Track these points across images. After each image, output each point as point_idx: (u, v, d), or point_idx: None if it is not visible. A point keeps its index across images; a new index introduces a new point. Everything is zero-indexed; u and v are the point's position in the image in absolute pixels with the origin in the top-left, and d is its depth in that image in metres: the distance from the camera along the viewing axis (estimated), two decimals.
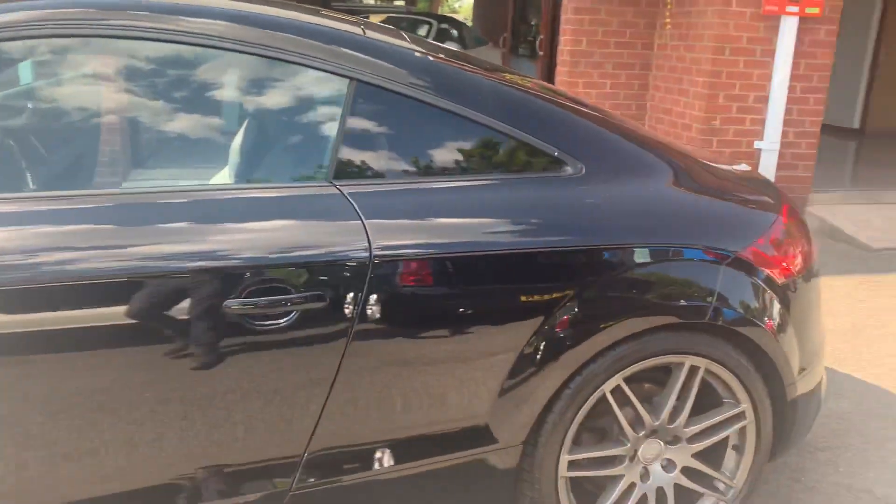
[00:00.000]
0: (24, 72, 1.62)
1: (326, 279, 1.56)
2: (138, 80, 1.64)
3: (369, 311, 1.59)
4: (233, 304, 1.51)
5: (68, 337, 1.45)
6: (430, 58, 1.79)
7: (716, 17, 5.31)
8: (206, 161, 1.71)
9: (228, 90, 1.70)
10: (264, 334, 1.54)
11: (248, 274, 1.52)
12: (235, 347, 1.53)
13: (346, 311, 1.57)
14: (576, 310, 1.72)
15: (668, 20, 5.90)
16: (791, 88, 5.46)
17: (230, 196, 1.59)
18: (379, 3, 20.88)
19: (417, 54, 1.78)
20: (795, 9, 5.21)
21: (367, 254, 1.58)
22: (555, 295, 1.70)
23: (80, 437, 1.49)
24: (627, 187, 1.84)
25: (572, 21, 6.10)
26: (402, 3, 21.84)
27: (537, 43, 6.94)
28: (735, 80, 5.42)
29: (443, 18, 11.59)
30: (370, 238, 1.59)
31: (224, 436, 1.58)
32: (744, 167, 2.34)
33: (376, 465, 1.69)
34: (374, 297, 1.59)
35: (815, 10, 5.22)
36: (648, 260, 1.78)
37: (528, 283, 1.69)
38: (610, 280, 1.75)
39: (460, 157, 1.74)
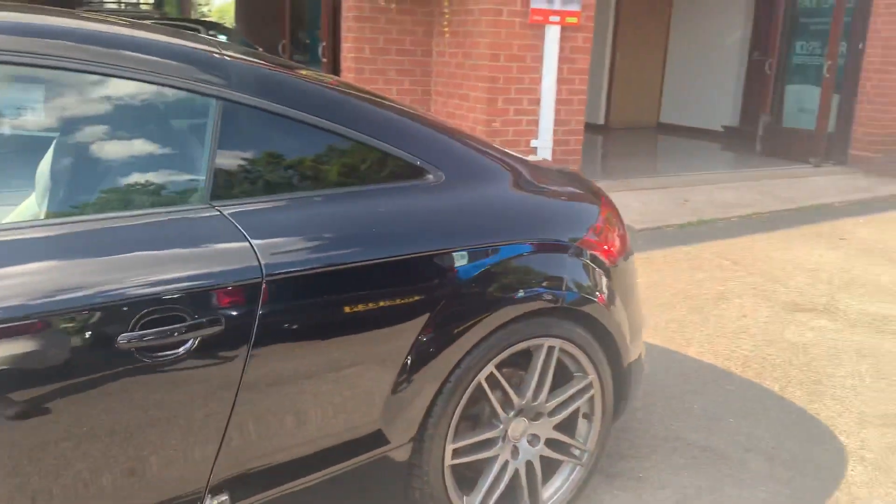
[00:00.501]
0: None
1: (218, 305, 1.53)
2: None
3: (264, 333, 1.58)
4: (124, 338, 1.44)
5: None
6: (298, 77, 1.81)
7: (489, 26, 5.72)
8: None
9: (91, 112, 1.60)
10: (159, 366, 1.48)
11: (134, 308, 1.45)
12: (130, 382, 1.46)
13: (241, 334, 1.56)
14: (454, 306, 1.84)
15: (446, 28, 6.23)
16: (558, 91, 6.03)
17: (109, 225, 1.50)
18: (124, 6, 19.48)
19: (284, 73, 1.79)
20: (557, 18, 5.77)
21: (258, 273, 1.57)
22: (436, 294, 1.81)
23: None
24: (481, 192, 1.99)
25: (353, 29, 6.22)
26: (148, 6, 20.56)
27: (320, 50, 6.97)
28: (511, 85, 5.88)
29: (211, 25, 11.17)
30: (259, 257, 1.58)
31: (119, 481, 1.49)
32: (538, 158, 2.62)
33: (280, 483, 1.69)
34: (268, 317, 1.58)
35: (574, 20, 5.82)
36: (511, 256, 1.95)
37: (412, 286, 1.78)
38: (482, 277, 1.89)
39: (336, 171, 1.78)
